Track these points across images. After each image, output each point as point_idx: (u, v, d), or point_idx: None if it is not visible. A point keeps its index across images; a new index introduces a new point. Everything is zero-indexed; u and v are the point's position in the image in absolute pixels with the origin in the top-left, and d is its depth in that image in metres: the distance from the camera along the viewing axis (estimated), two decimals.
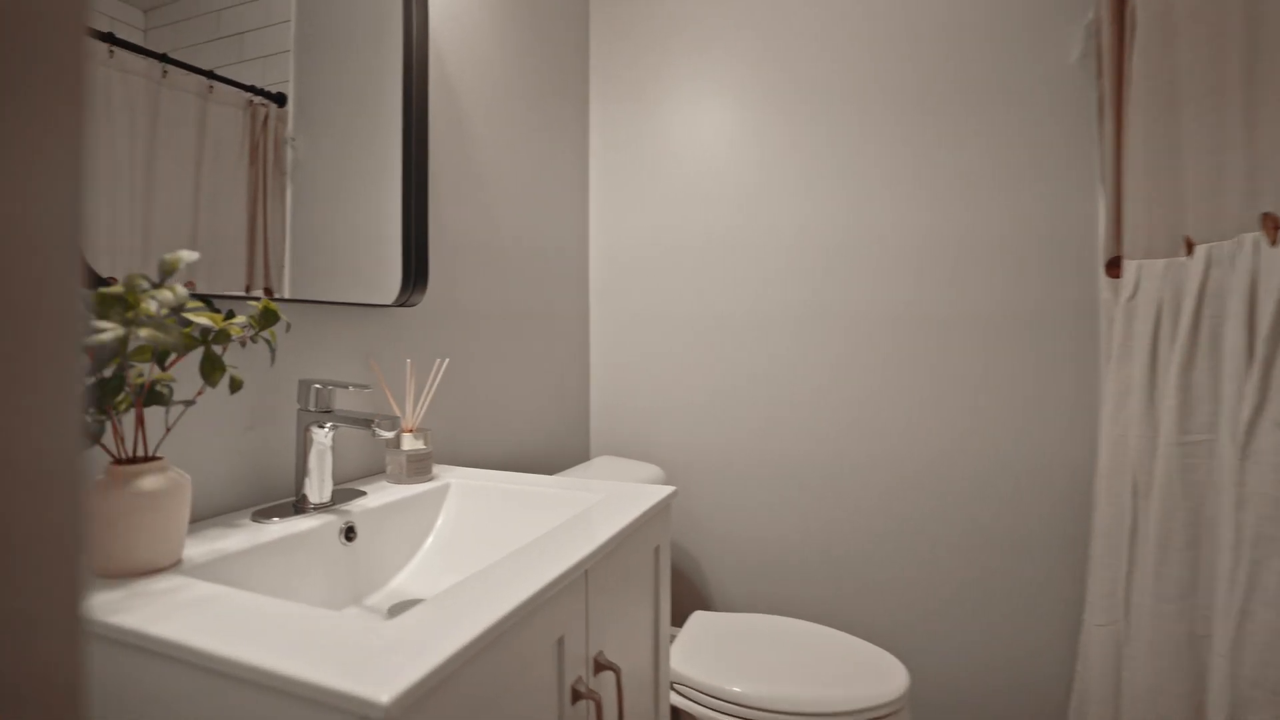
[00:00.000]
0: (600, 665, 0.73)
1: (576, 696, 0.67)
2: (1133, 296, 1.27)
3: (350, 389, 0.85)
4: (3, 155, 0.16)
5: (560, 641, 0.65)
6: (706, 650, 1.31)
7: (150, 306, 0.55)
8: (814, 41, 1.61)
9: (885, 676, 1.20)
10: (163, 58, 0.76)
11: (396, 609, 0.81)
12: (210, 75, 0.81)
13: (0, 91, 0.16)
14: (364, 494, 0.93)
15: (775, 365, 1.65)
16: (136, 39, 0.74)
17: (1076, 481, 1.40)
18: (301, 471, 0.85)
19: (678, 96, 1.75)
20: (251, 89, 0.86)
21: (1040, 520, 1.43)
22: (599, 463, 1.64)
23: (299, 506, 0.84)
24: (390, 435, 0.79)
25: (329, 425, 0.84)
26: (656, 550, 0.95)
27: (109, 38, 0.71)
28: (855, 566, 1.58)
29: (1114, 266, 1.35)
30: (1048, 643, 1.42)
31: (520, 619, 0.57)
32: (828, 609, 1.61)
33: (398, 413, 1.10)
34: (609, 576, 0.78)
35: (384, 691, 0.42)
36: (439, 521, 0.98)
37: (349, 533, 0.84)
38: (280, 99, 0.90)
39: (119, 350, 0.60)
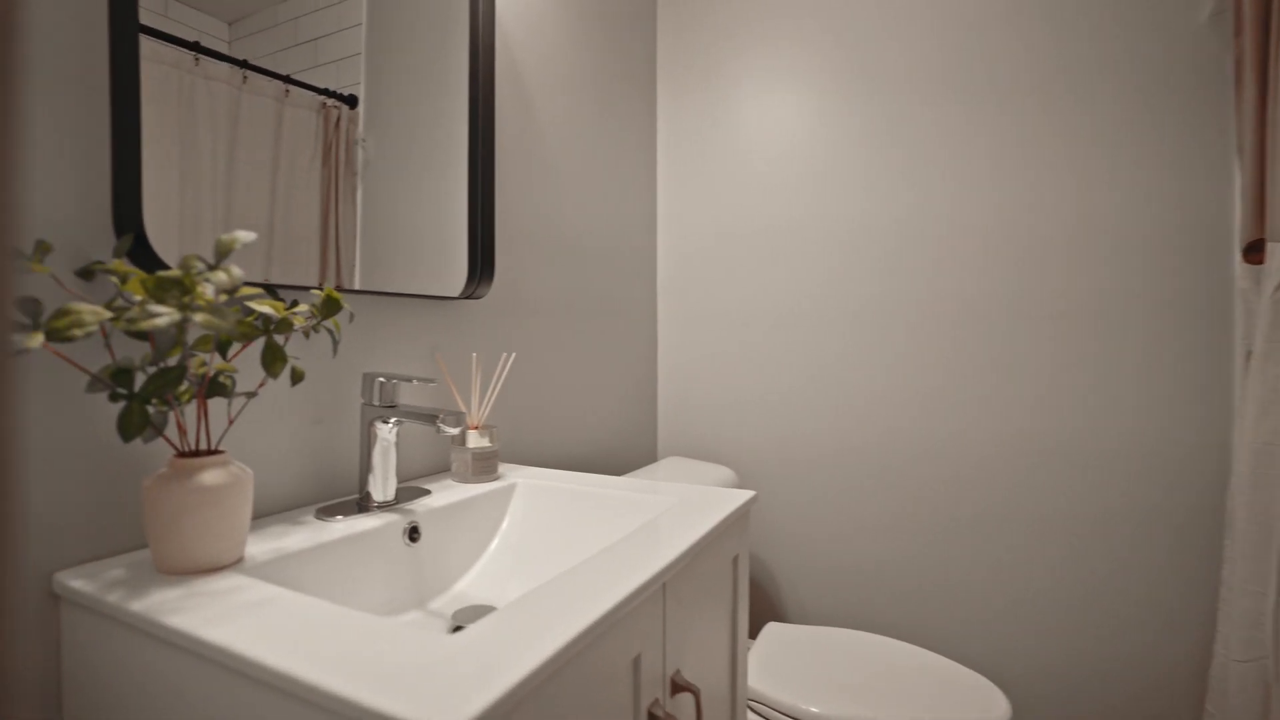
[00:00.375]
0: (678, 686, 0.67)
1: (653, 719, 0.61)
2: None
3: (415, 383, 0.81)
4: None
5: (636, 661, 0.59)
6: (782, 666, 1.22)
7: (207, 291, 0.52)
8: (890, 23, 1.50)
9: (984, 705, 1.08)
10: (243, 64, 0.77)
11: (461, 615, 0.77)
12: (287, 80, 0.82)
13: None
14: (428, 492, 0.89)
15: (850, 360, 1.55)
16: (221, 48, 0.75)
17: (1206, 495, 1.24)
18: (365, 468, 0.82)
19: (747, 87, 1.67)
20: (325, 92, 0.87)
21: (1164, 537, 1.28)
22: (667, 464, 1.57)
23: (363, 505, 0.81)
24: (455, 432, 0.75)
25: (393, 421, 0.80)
26: (735, 560, 0.88)
27: (195, 46, 0.72)
28: (944, 579, 1.46)
29: (1254, 251, 1.19)
30: (1172, 675, 1.27)
31: (595, 637, 0.51)
32: (914, 625, 1.49)
33: (463, 408, 1.07)
34: (686, 589, 0.71)
35: (456, 713, 0.36)
36: (504, 523, 0.94)
37: (413, 533, 0.81)
38: (352, 101, 0.90)
39: (178, 337, 0.57)
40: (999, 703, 1.09)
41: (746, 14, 1.67)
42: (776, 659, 1.25)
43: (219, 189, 0.75)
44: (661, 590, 0.64)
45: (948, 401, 1.46)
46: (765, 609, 1.67)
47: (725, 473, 1.53)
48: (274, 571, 0.64)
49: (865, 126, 1.53)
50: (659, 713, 0.61)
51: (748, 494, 0.90)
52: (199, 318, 0.50)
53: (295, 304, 0.70)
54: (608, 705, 0.55)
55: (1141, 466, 1.30)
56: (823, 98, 1.57)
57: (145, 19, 0.66)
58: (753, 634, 1.68)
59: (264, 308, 0.63)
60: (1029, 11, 1.38)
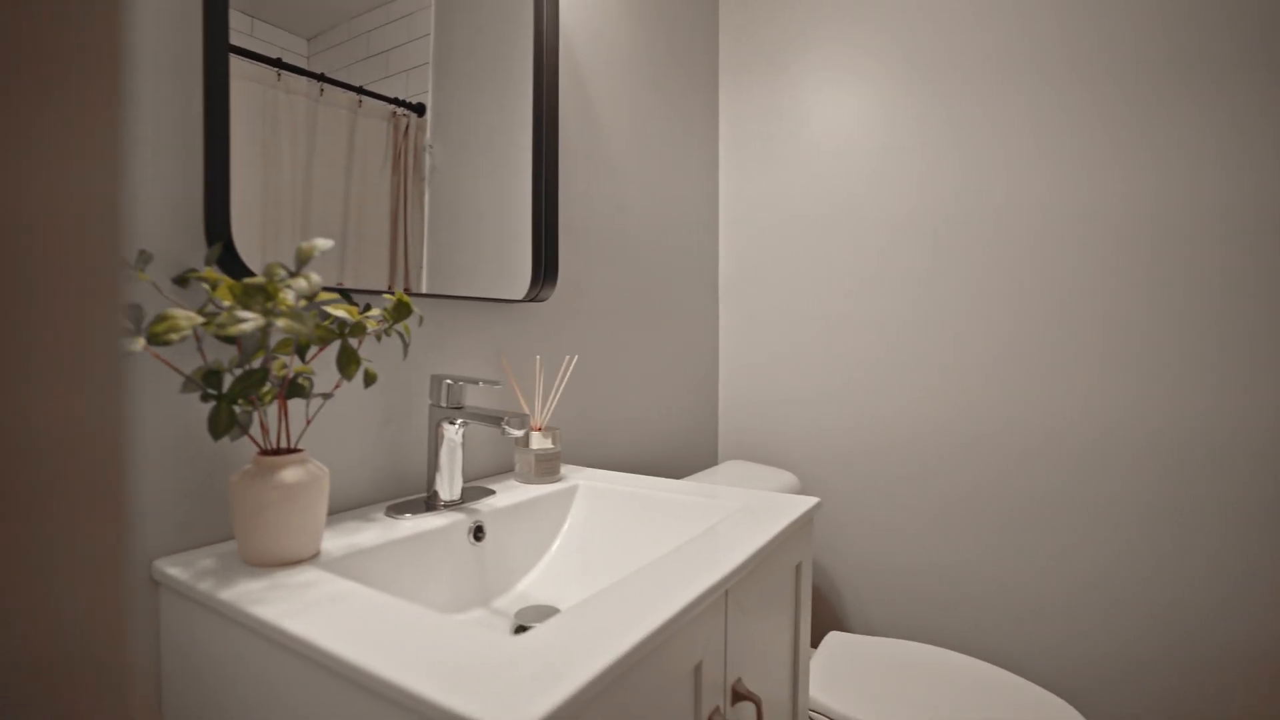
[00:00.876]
0: (739, 695, 0.66)
1: None
2: None
3: (480, 385, 0.83)
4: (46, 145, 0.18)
5: (698, 668, 0.59)
6: (846, 678, 1.19)
7: (288, 297, 0.55)
8: (948, 18, 1.43)
9: None
10: (320, 77, 0.80)
11: (523, 615, 0.78)
12: (360, 91, 0.85)
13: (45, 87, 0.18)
14: (493, 492, 0.91)
15: (906, 359, 1.50)
16: (300, 63, 0.78)
17: None
18: (433, 467, 0.84)
19: (808, 86, 1.63)
20: (395, 101, 0.90)
21: (1259, 547, 1.19)
22: (728, 467, 1.56)
23: (430, 503, 0.84)
24: (520, 434, 0.76)
25: (460, 422, 0.82)
26: (798, 568, 0.86)
27: (277, 63, 0.75)
28: (1017, 591, 1.39)
29: None
30: (1267, 705, 1.17)
31: (658, 644, 0.51)
32: (982, 640, 1.43)
33: (526, 410, 1.09)
34: (748, 597, 0.70)
35: (523, 714, 0.37)
36: (566, 524, 0.95)
37: (478, 532, 0.83)
38: (420, 109, 0.93)
39: (262, 341, 0.60)
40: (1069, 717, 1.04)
41: (808, 14, 1.63)
42: (839, 669, 1.22)
43: (297, 197, 0.78)
44: (724, 598, 0.63)
45: (1001, 396, 1.39)
46: (827, 617, 1.63)
47: (787, 478, 1.51)
48: (348, 566, 0.66)
49: (923, 121, 1.47)
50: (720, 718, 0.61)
51: (811, 500, 0.88)
52: (281, 323, 0.53)
53: (368, 308, 0.72)
54: (669, 712, 0.55)
55: (1244, 475, 1.20)
56: (883, 95, 1.53)
57: (234, 40, 0.70)
58: (815, 642, 1.65)
59: (339, 312, 0.66)
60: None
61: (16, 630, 0.17)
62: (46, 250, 0.18)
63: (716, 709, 0.62)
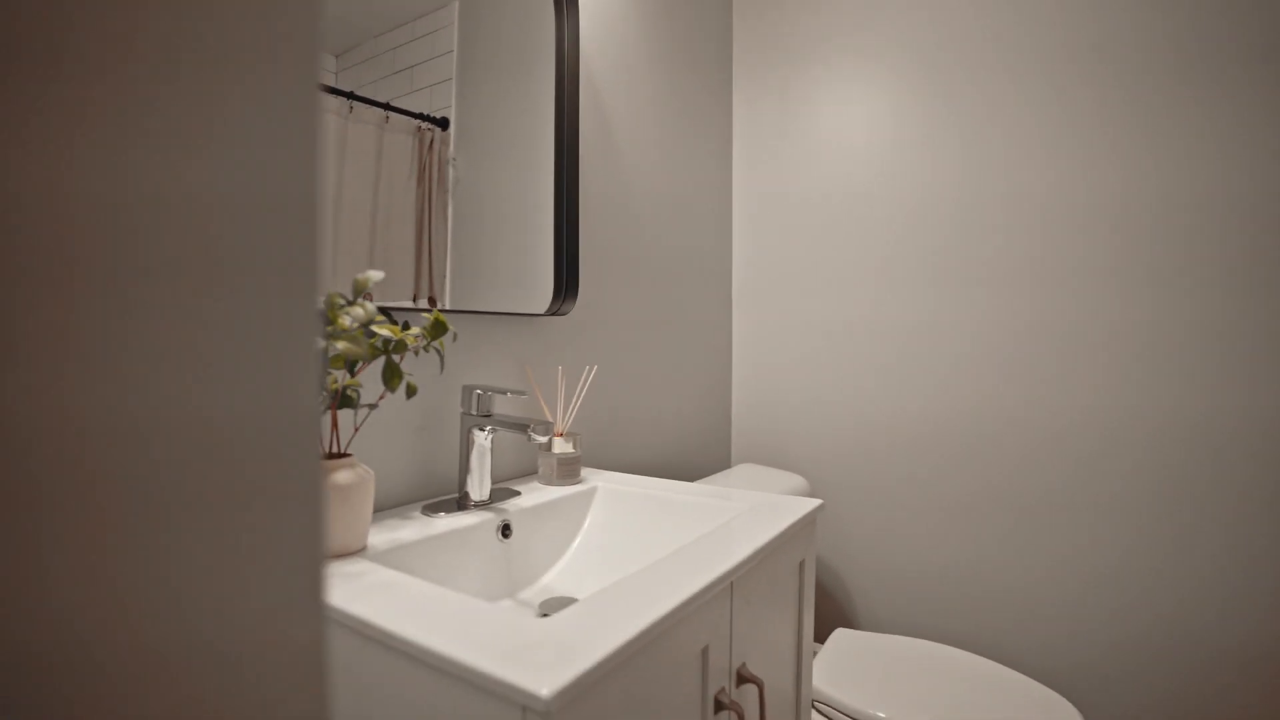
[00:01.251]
0: (743, 678, 0.73)
1: (719, 707, 0.67)
2: None
3: (509, 395, 0.90)
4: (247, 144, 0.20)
5: (704, 651, 0.66)
6: (851, 671, 1.25)
7: (345, 321, 0.63)
8: (952, 28, 1.49)
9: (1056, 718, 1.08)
10: (350, 95, 0.86)
11: (548, 605, 0.85)
12: (387, 107, 0.91)
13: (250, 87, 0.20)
14: (518, 493, 0.99)
15: (911, 368, 1.55)
16: (329, 80, 0.84)
17: None
18: (464, 470, 0.92)
19: (822, 98, 1.69)
20: (419, 116, 0.95)
21: (1264, 547, 1.23)
22: (739, 470, 1.63)
23: (461, 503, 0.91)
24: (544, 440, 0.84)
25: (489, 428, 0.90)
26: (801, 565, 0.93)
27: None
28: (1020, 590, 1.44)
29: None
30: (1267, 705, 1.21)
31: (668, 627, 0.58)
32: (985, 638, 1.48)
33: (549, 417, 1.16)
34: (753, 589, 0.77)
35: (545, 686, 0.44)
36: (586, 523, 1.02)
37: (505, 530, 0.90)
38: (444, 123, 0.99)
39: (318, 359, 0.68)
40: (1072, 718, 1.09)
41: (817, 32, 1.70)
42: (844, 664, 1.28)
43: (331, 212, 0.84)
44: (729, 589, 0.70)
45: (1004, 396, 1.44)
46: (835, 615, 1.69)
47: (796, 480, 1.57)
48: (392, 559, 0.74)
49: (929, 123, 1.53)
50: (725, 700, 0.67)
51: (815, 502, 0.94)
52: (340, 344, 0.61)
53: (407, 326, 0.80)
54: (679, 690, 0.62)
55: (1238, 475, 1.25)
56: (891, 97, 1.59)
57: None
58: (823, 638, 1.71)
59: (384, 331, 0.74)
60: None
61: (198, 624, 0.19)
62: (249, 240, 0.20)
63: (722, 689, 0.69)
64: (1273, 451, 1.22)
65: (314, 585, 0.21)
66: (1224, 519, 1.26)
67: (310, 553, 0.21)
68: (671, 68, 1.57)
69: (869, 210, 1.63)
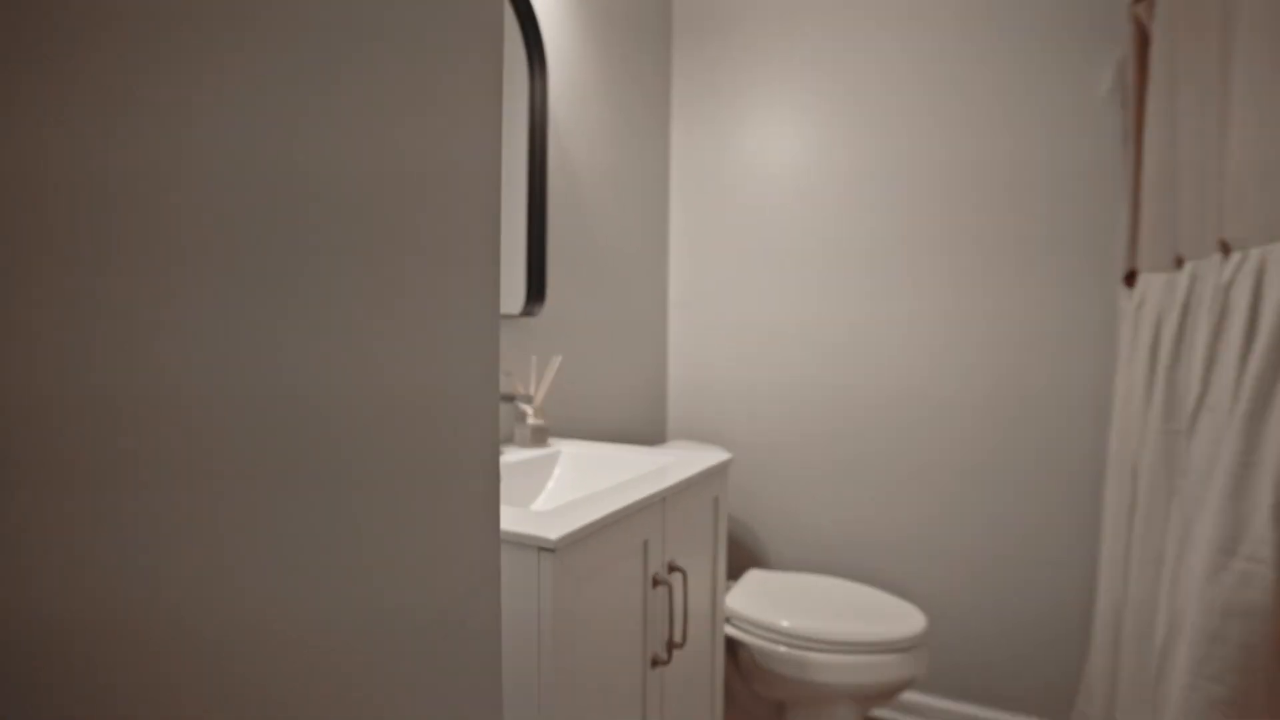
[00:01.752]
0: (673, 567, 1.05)
1: (656, 583, 0.99)
2: (1140, 306, 1.46)
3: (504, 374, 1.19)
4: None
5: (645, 544, 0.97)
6: (759, 596, 1.60)
7: None
8: (876, 75, 1.86)
9: (907, 619, 1.45)
10: None
11: None
12: None
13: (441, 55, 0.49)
14: (502, 453, 1.28)
15: (817, 361, 1.92)
16: None
17: (1097, 462, 1.60)
18: None
19: (751, 123, 2.04)
20: None
21: (1060, 491, 1.64)
22: (673, 444, 1.95)
23: None
24: (529, 408, 1.14)
25: None
26: (715, 500, 1.26)
27: None
28: (891, 533, 1.83)
29: (1130, 278, 1.54)
30: (1067, 599, 1.62)
31: (620, 519, 0.89)
32: (867, 569, 1.86)
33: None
34: (680, 508, 1.09)
35: (552, 534, 0.75)
36: (555, 474, 1.33)
37: None
38: None
39: None
40: (918, 619, 1.46)
41: (747, 67, 2.04)
42: (755, 592, 1.63)
43: None
44: (662, 504, 1.02)
45: (879, 371, 1.82)
46: (748, 559, 2.04)
47: (722, 453, 1.91)
48: None
49: (856, 152, 1.90)
50: (660, 578, 0.99)
51: (725, 456, 1.28)
52: None
53: None
54: (629, 566, 0.93)
55: (1029, 414, 1.66)
56: (818, 131, 1.95)
57: None
58: (736, 577, 2.06)
59: None
60: (981, 60, 1.74)
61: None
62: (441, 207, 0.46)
63: (658, 572, 1.00)
64: (1073, 419, 1.63)
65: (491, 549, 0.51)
66: (1026, 480, 1.66)
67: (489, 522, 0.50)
68: (621, 113, 1.88)
69: (782, 222, 1.98)
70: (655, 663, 0.99)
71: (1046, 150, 1.67)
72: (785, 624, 1.47)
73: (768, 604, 1.55)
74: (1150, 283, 1.43)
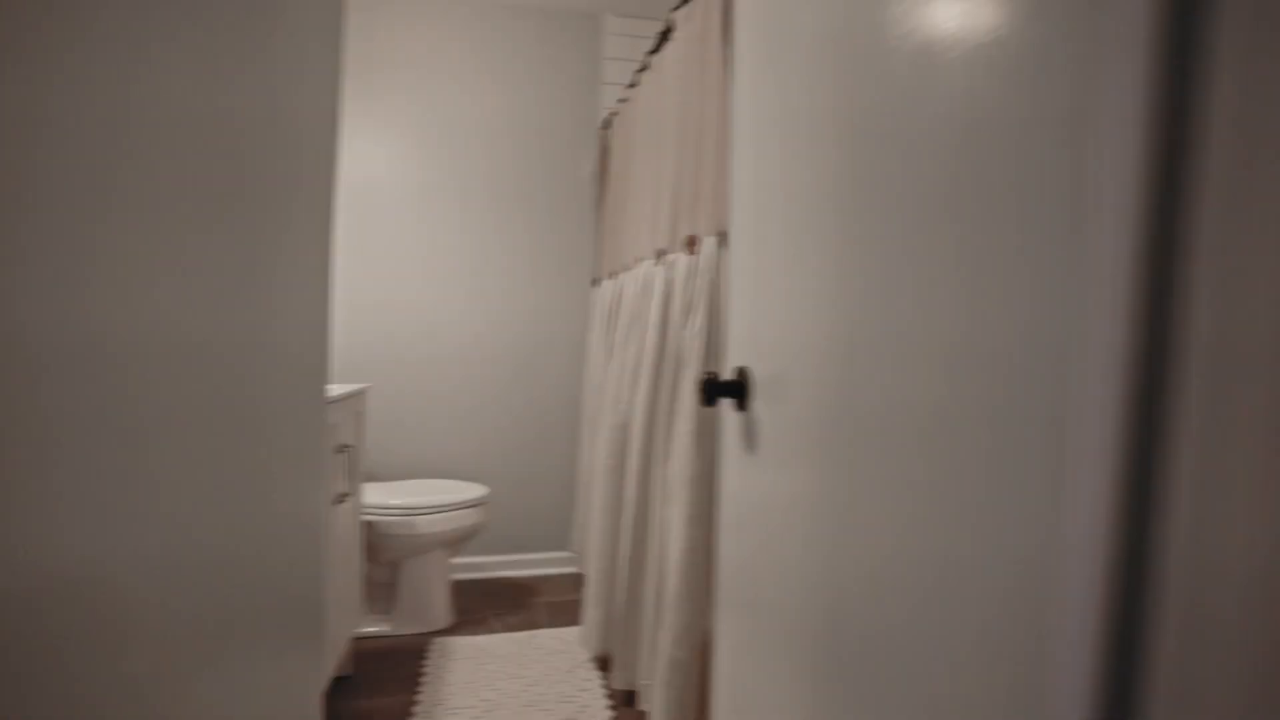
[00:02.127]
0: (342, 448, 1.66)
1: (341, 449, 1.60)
2: (601, 298, 2.61)
3: None
4: None
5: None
6: (383, 492, 2.25)
7: None
8: (441, 144, 2.63)
9: (474, 490, 2.32)
10: None
11: None
12: None
13: None
14: None
15: (423, 310, 2.65)
16: None
17: (575, 388, 2.73)
18: None
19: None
20: None
21: (557, 407, 2.74)
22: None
23: None
24: None
25: None
26: (358, 415, 1.89)
27: None
28: (472, 433, 2.69)
29: (596, 284, 2.70)
30: (560, 470, 2.73)
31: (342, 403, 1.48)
32: (461, 467, 2.67)
33: None
34: (346, 423, 1.70)
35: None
36: None
37: None
38: None
39: None
40: (481, 489, 2.34)
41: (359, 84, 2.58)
42: (377, 490, 2.27)
43: None
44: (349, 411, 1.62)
45: (450, 338, 2.68)
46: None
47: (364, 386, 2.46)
48: None
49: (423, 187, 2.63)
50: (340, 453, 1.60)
51: (366, 385, 1.91)
52: None
53: None
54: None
55: (539, 358, 2.73)
56: (399, 147, 2.61)
57: None
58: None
59: None
60: (495, 155, 2.67)
61: None
62: None
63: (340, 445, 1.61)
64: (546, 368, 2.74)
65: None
66: (536, 401, 2.74)
67: None
68: None
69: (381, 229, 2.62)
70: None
71: (552, 204, 2.73)
72: (395, 502, 2.16)
73: (386, 494, 2.22)
74: (604, 285, 2.59)
